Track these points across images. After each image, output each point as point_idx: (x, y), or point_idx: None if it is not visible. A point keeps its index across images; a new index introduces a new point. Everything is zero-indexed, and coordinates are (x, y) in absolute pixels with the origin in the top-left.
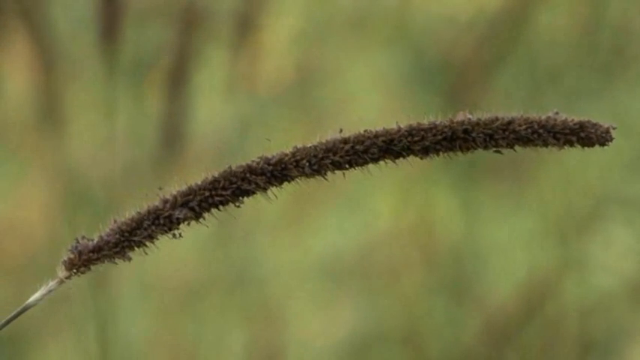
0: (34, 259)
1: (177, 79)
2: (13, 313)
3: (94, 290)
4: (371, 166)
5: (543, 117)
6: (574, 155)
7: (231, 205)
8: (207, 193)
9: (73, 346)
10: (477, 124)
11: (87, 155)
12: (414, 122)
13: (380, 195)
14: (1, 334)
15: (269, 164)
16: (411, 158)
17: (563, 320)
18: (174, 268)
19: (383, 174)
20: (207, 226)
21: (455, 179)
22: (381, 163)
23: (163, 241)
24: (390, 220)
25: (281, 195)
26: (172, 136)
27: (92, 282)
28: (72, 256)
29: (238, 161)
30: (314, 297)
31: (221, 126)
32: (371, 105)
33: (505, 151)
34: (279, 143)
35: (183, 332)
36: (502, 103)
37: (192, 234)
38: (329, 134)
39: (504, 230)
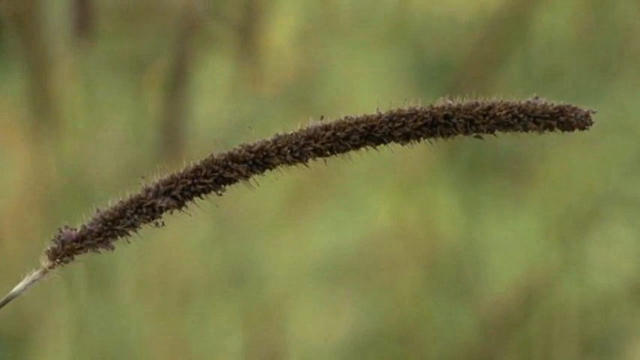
0: (33, 258)
1: (178, 79)
2: None
3: (94, 290)
4: (370, 165)
5: (523, 102)
6: (574, 155)
7: (213, 193)
8: (189, 182)
9: (73, 346)
10: (458, 109)
11: (87, 155)
12: (394, 108)
13: (380, 195)
14: (1, 335)
15: (251, 152)
16: (411, 158)
17: (563, 320)
18: (174, 268)
19: (383, 173)
20: (190, 214)
21: (455, 179)
22: (362, 149)
23: (163, 241)
24: (390, 219)
25: (280, 194)
26: (172, 136)
27: (92, 282)
28: (55, 245)
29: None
30: (314, 297)
31: (221, 126)
32: (371, 105)
33: (505, 150)
34: None
35: (183, 332)
36: None
37: (191, 234)
38: (310, 120)
39: (504, 230)
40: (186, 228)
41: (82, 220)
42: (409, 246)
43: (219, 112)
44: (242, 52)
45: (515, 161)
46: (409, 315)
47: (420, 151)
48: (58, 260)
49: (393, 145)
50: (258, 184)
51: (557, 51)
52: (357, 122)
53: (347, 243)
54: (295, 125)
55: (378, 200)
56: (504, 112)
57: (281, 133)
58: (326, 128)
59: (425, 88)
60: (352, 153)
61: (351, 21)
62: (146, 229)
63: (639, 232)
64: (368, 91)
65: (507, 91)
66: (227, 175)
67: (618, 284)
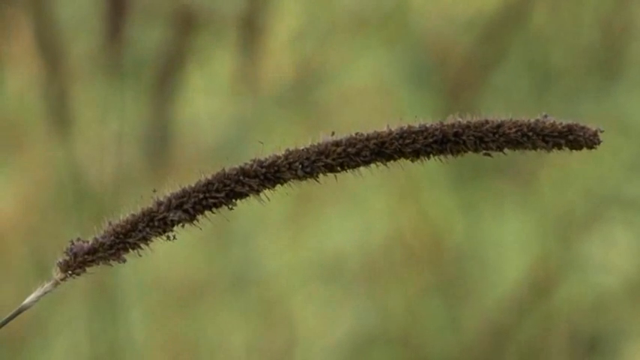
0: (35, 258)
1: (177, 80)
2: (8, 315)
3: (94, 290)
4: (364, 166)
5: (532, 120)
6: (574, 155)
7: (224, 207)
8: (201, 196)
9: (73, 346)
10: (468, 127)
11: (88, 155)
12: (404, 125)
13: (380, 195)
14: (1, 335)
15: (262, 167)
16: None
17: (563, 320)
18: (174, 268)
19: (383, 174)
20: (201, 228)
21: (455, 179)
22: (373, 165)
23: (163, 241)
24: (391, 220)
25: (282, 195)
26: (172, 137)
27: (92, 282)
28: (67, 257)
29: (238, 162)
30: (314, 297)
31: (221, 126)
32: (370, 105)
33: (503, 152)
34: (279, 144)
35: (183, 332)
36: (501, 103)
37: (192, 234)
38: (321, 136)
39: (505, 230)
40: (188, 228)
41: (86, 221)
42: (410, 247)
43: (220, 112)
44: (242, 52)
45: (516, 161)
46: (410, 315)
47: None
48: (69, 272)
49: (403, 161)
50: (268, 199)
51: (556, 51)
52: (368, 138)
53: (347, 244)
54: (295, 126)
55: (378, 201)
56: (514, 130)
57: (292, 148)
58: (337, 144)
59: (424, 89)
60: (362, 168)
61: (351, 21)
62: (156, 241)
63: (639, 233)
64: (367, 92)
65: (506, 92)
66: (238, 189)
67: (618, 284)
